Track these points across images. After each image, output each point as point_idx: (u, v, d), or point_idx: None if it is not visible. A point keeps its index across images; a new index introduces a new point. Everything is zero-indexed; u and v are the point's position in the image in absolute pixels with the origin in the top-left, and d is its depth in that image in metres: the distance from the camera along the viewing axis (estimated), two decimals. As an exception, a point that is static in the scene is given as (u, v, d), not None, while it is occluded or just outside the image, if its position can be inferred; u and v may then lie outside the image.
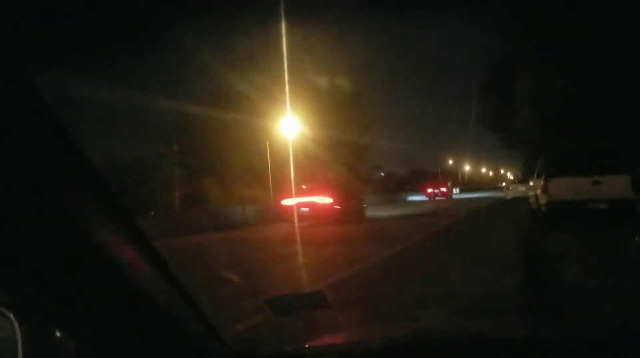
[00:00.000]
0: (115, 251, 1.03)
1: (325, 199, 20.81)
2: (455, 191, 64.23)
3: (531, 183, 16.03)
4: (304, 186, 22.17)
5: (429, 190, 56.57)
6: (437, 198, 52.97)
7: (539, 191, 13.02)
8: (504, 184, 60.73)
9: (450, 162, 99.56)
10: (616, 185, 11.56)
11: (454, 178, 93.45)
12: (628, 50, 15.95)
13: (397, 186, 75.06)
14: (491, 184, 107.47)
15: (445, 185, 58.74)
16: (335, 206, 20.72)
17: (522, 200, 22.01)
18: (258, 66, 35.00)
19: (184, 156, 37.74)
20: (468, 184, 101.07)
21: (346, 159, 43.65)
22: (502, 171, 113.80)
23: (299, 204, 20.57)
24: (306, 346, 1.87)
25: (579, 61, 17.78)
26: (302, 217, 19.94)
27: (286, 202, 21.33)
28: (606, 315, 4.40)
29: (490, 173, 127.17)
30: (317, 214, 20.10)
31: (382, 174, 68.69)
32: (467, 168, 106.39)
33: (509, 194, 36.44)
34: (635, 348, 1.58)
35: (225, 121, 35.30)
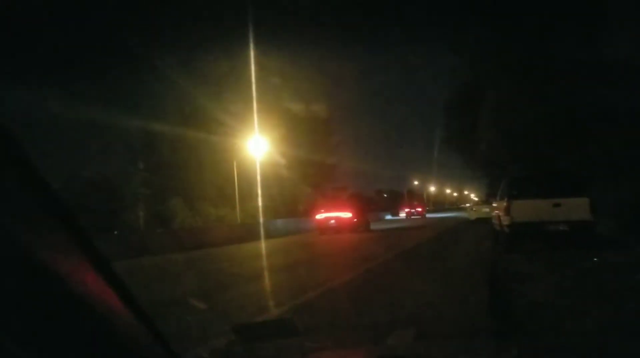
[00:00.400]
0: (68, 272, 1.00)
1: (347, 214, 27.25)
2: (422, 211, 70.75)
3: (494, 204, 16.29)
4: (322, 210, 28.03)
5: (407, 210, 65.71)
6: (412, 217, 60.79)
7: (501, 213, 13.24)
8: (467, 205, 61.65)
9: (416, 183, 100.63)
10: (576, 207, 11.81)
11: (419, 198, 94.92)
12: (589, 77, 16.45)
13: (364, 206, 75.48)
14: (455, 205, 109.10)
15: (421, 206, 68.76)
16: (353, 219, 27.27)
17: (486, 220, 22.89)
18: (227, 85, 34.94)
19: (150, 174, 37.22)
20: (434, 205, 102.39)
21: (313, 180, 43.71)
22: (466, 192, 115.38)
23: (328, 218, 27.05)
24: None
25: (541, 86, 18.25)
26: (329, 227, 26.60)
27: (319, 216, 27.73)
28: (567, 336, 4.49)
29: (455, 194, 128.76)
30: (340, 225, 26.51)
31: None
32: (432, 188, 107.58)
33: (473, 216, 36.76)
34: None
35: (193, 140, 35.02)
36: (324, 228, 26.83)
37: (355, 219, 27.52)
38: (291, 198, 41.06)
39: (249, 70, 30.43)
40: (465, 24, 21.91)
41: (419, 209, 64.57)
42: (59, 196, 1.00)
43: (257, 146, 34.06)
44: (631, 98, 14.55)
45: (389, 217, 64.72)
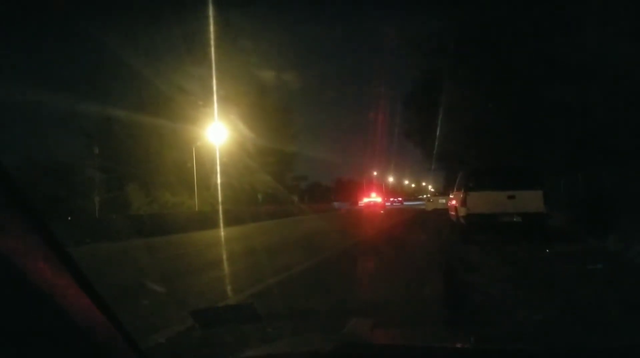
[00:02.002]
0: (23, 258, 0.97)
1: (378, 199, 55.48)
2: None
3: (451, 196, 16.56)
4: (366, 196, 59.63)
5: (391, 199, 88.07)
6: (394, 204, 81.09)
7: (458, 204, 13.47)
8: (426, 196, 62.80)
9: (375, 174, 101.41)
10: (530, 200, 12.10)
11: (378, 189, 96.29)
12: (544, 73, 16.81)
13: (322, 196, 75.95)
14: (413, 195, 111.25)
15: (402, 196, 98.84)
16: (381, 202, 53.90)
17: (442, 211, 23.48)
18: (186, 72, 34.49)
19: (106, 160, 36.45)
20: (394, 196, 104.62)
21: (273, 169, 43.61)
22: (423, 184, 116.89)
23: (369, 202, 53.18)
24: None
25: (497, 82, 18.58)
26: (370, 205, 50.93)
27: (366, 199, 54.66)
28: (520, 325, 4.61)
29: (413, 185, 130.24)
30: (375, 204, 51.66)
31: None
32: (390, 179, 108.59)
33: (430, 206, 37.33)
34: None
35: (151, 126, 34.43)
36: (367, 206, 52.09)
37: (382, 202, 54.73)
38: (250, 186, 40.83)
39: (209, 57, 30.08)
40: (425, 17, 22.11)
41: (400, 199, 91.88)
42: (15, 180, 0.97)
43: (216, 133, 33.71)
44: (584, 94, 14.94)
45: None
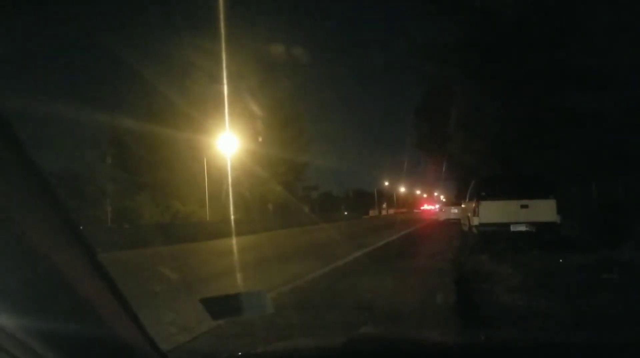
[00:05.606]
0: (55, 260, 1.00)
1: (432, 206, 71.07)
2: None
3: (463, 205, 16.49)
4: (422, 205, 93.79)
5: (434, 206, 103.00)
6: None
7: (470, 213, 13.41)
8: (437, 206, 62.74)
9: (386, 183, 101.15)
10: (543, 209, 12.03)
11: (389, 199, 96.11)
12: (554, 82, 16.74)
13: (333, 206, 75.78)
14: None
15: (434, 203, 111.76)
16: (434, 209, 62.39)
17: (454, 221, 23.36)
18: (197, 82, 34.69)
19: (118, 170, 36.69)
20: (405, 206, 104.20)
21: (284, 178, 43.63)
22: (435, 194, 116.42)
23: (424, 208, 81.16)
24: (239, 354, 1.87)
25: (509, 90, 18.52)
26: (424, 210, 75.75)
27: (422, 207, 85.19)
28: (532, 333, 4.58)
29: (425, 195, 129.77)
30: (430, 211, 65.07)
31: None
32: (402, 189, 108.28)
33: (442, 216, 37.17)
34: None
35: (162, 136, 34.60)
36: (423, 211, 74.72)
37: (435, 209, 61.19)
38: (261, 196, 40.88)
39: (221, 68, 30.23)
40: (436, 26, 22.12)
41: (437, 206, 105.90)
42: (54, 188, 1.01)
43: (227, 143, 33.83)
44: (598, 102, 14.85)
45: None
